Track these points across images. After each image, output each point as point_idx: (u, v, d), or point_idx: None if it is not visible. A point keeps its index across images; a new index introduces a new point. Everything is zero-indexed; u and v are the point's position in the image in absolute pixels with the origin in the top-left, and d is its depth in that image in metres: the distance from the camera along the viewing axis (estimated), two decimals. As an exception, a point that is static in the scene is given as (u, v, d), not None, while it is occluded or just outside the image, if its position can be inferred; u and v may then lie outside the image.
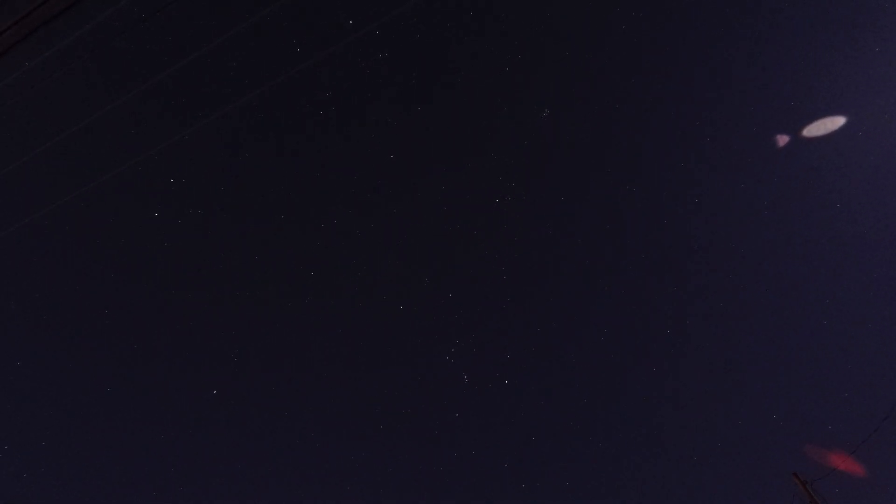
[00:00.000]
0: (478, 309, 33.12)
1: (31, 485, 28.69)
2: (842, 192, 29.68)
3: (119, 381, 31.57)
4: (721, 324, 31.70)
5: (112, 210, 30.77)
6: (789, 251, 30.92)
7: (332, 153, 32.64)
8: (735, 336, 31.46)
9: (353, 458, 31.76)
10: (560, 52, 31.61)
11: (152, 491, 30.18)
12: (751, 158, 30.89)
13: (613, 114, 32.20)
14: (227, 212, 31.95)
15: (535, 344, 33.09)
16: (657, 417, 31.17)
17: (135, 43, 28.37)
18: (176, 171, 31.24)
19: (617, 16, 30.58)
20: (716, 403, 30.88)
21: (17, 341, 30.29)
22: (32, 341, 30.54)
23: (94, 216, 30.74)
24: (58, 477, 29.25)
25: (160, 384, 31.67)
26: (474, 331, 32.87)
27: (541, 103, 32.72)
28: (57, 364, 30.73)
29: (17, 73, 6.47)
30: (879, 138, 28.04)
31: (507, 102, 32.59)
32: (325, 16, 29.47)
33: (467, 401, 32.19)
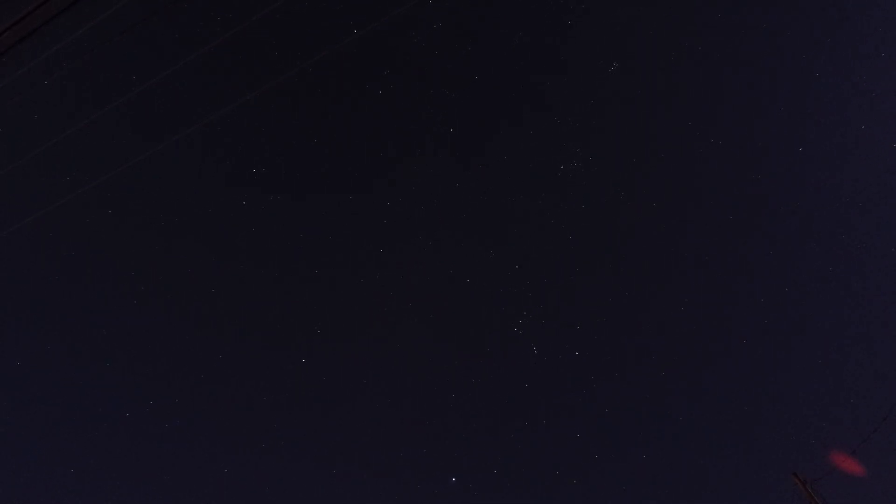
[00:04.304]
0: (545, 279, 32.46)
1: (32, 485, 28.69)
2: (842, 192, 29.63)
3: (126, 385, 31.55)
4: (721, 323, 31.66)
5: (113, 211, 30.74)
6: (788, 251, 30.87)
7: (392, 123, 31.90)
8: (735, 336, 31.43)
9: (423, 428, 31.81)
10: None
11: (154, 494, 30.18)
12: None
13: (686, 68, 30.08)
14: (274, 195, 31.69)
15: (605, 314, 32.39)
16: (657, 417, 31.14)
17: (136, 41, 28.33)
18: (174, 172, 31.22)
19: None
20: (716, 403, 30.86)
21: (19, 341, 30.28)
22: (34, 342, 30.51)
23: (93, 217, 30.72)
24: (59, 478, 29.25)
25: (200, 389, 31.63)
26: (542, 302, 32.24)
27: (608, 57, 30.47)
28: (59, 366, 30.73)
29: (18, 73, 6.47)
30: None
31: (571, 57, 30.42)
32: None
33: (536, 372, 31.84)
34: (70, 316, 31.25)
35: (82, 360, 31.26)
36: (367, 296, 32.58)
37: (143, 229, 31.45)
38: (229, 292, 32.27)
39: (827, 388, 29.30)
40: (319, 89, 30.75)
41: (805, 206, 30.45)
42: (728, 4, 28.62)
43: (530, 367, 31.65)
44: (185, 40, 28.76)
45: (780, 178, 30.69)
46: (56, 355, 30.80)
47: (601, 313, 32.11)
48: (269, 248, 32.37)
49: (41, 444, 29.74)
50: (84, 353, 31.27)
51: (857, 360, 28.87)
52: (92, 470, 29.96)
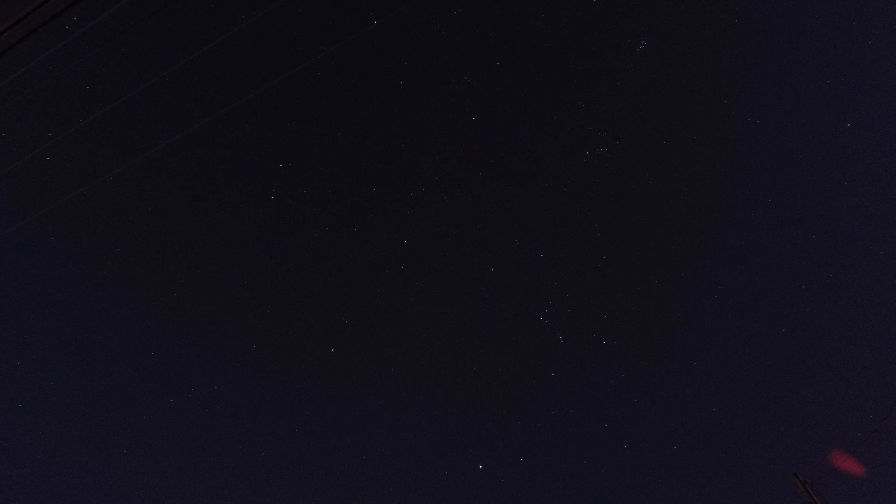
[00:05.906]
0: (571, 268, 31.91)
1: (33, 485, 28.72)
2: (841, 189, 29.58)
3: (129, 387, 31.55)
4: (721, 323, 31.64)
5: (113, 211, 30.75)
6: (787, 250, 30.85)
7: (413, 112, 31.23)
8: (735, 335, 31.41)
9: (449, 416, 31.59)
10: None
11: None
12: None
13: (720, 45, 28.32)
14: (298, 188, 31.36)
15: (633, 304, 31.93)
16: (657, 417, 31.13)
17: (140, 39, 28.34)
18: (192, 168, 31.23)
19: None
20: (716, 403, 30.84)
21: (19, 341, 30.30)
22: (36, 342, 30.52)
23: (93, 217, 30.73)
24: (60, 478, 29.27)
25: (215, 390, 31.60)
26: (568, 290, 31.74)
27: (635, 35, 28.81)
28: (62, 366, 30.73)
29: (17, 72, 6.47)
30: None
31: (596, 36, 29.08)
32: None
33: (562, 361, 31.52)
34: (73, 316, 31.28)
35: (84, 360, 31.28)
36: (392, 286, 32.43)
37: (160, 224, 31.43)
38: (257, 285, 32.21)
39: (827, 388, 29.27)
40: (341, 81, 30.50)
41: (806, 205, 30.41)
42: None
43: (556, 357, 31.38)
44: (188, 38, 28.77)
45: (799, 171, 30.61)
46: (60, 355, 30.82)
47: (627, 303, 31.73)
48: (294, 241, 32.33)
49: (41, 443, 29.76)
50: (88, 353, 31.28)
51: (857, 360, 28.84)
52: (92, 470, 29.98)
